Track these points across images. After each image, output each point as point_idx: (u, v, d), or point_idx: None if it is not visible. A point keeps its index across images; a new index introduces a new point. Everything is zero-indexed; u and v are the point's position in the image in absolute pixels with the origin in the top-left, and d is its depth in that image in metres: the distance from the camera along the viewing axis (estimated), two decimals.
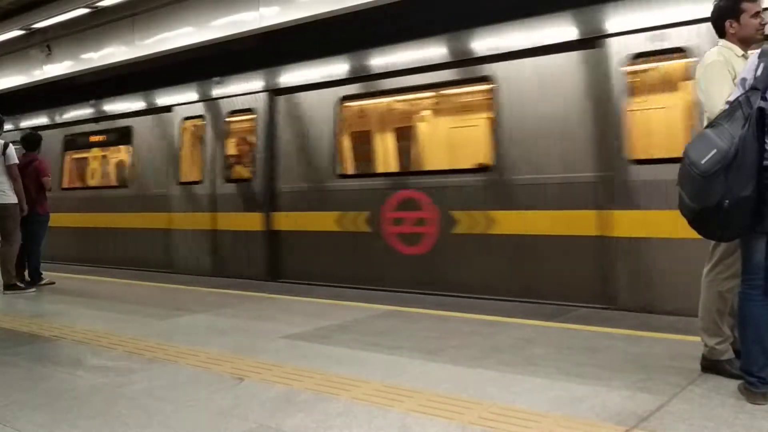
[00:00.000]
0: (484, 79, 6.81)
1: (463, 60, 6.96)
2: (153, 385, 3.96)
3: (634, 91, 5.86)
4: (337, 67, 8.06)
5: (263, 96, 8.71)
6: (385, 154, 9.24)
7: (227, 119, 9.16)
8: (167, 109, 9.86)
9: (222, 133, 9.18)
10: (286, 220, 8.49)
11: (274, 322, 5.66)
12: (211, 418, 3.36)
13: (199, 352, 4.68)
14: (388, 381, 3.86)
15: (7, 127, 12.14)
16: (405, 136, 9.04)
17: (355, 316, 5.80)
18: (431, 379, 3.89)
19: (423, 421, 3.21)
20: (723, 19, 3.64)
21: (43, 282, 8.28)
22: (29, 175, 8.04)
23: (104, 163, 12.18)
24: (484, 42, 6.84)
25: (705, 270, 3.68)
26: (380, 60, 7.71)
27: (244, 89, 8.95)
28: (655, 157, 5.71)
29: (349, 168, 8.60)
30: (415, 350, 4.54)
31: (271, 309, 6.31)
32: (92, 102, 11.18)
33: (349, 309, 6.13)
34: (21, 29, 11.44)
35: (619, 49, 5.85)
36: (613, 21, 5.96)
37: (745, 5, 3.61)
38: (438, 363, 4.23)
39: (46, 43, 11.62)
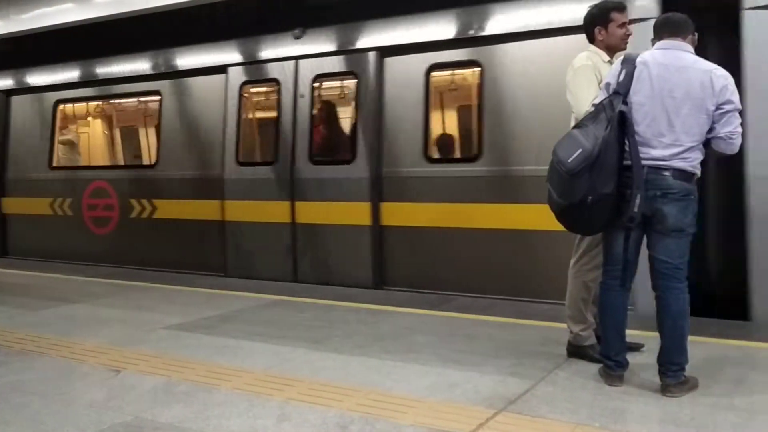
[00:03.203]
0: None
1: None
2: (21, 378, 3.79)
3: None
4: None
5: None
6: None
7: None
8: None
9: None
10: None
11: (156, 312, 5.52)
12: (84, 411, 3.26)
13: (74, 343, 4.50)
14: (270, 370, 3.88)
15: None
16: None
17: (240, 305, 5.76)
18: (314, 368, 3.93)
19: (302, 408, 3.26)
20: (593, 26, 3.89)
21: None
22: None
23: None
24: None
25: (571, 262, 3.93)
26: None
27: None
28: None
29: None
30: (299, 339, 4.57)
31: (154, 299, 6.14)
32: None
33: (235, 298, 6.07)
34: None
35: None
36: None
37: (613, 15, 3.87)
38: (322, 352, 4.28)
39: None
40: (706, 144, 3.39)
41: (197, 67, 7.89)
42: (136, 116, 9.92)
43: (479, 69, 6.17)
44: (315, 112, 7.16)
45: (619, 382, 3.51)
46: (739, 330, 4.63)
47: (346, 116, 7.28)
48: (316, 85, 7.14)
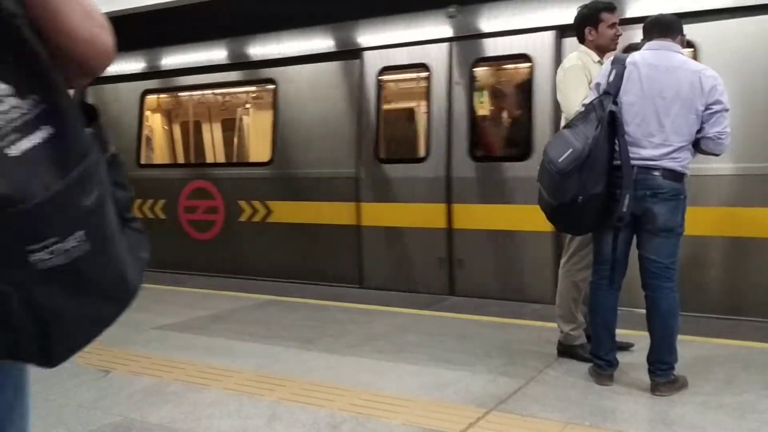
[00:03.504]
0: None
1: None
2: None
3: None
4: None
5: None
6: None
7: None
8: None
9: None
10: None
11: (147, 312, 5.47)
12: (73, 412, 3.25)
13: None
14: (261, 370, 3.87)
15: None
16: None
17: (232, 305, 5.75)
18: (305, 368, 3.93)
19: (294, 408, 3.26)
20: (583, 26, 3.91)
21: None
22: None
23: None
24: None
25: (562, 261, 3.95)
26: None
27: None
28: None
29: None
30: (291, 339, 4.57)
31: (146, 299, 5.95)
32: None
33: (226, 299, 6.05)
34: None
35: None
36: None
37: (603, 15, 3.88)
38: (313, 352, 4.28)
39: None
40: (695, 144, 3.41)
41: (322, 51, 6.87)
42: (244, 108, 8.91)
43: (692, 50, 4.98)
44: (476, 101, 6.16)
45: (609, 381, 3.53)
46: (729, 329, 4.65)
47: (516, 106, 6.33)
48: (477, 70, 6.13)
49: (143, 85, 8.11)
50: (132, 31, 7.66)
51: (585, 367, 3.70)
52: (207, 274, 7.28)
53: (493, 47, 5.99)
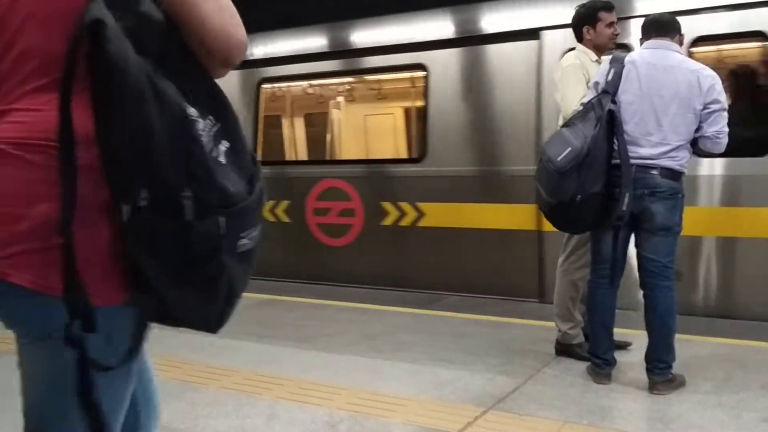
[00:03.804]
0: None
1: None
2: (5, 380, 3.76)
3: None
4: None
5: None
6: None
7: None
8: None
9: None
10: None
11: None
12: None
13: None
14: (259, 369, 3.86)
15: None
16: None
17: None
18: (303, 367, 3.92)
19: (292, 408, 3.26)
20: (581, 25, 3.91)
21: None
22: None
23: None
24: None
25: (560, 260, 3.95)
26: None
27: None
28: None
29: None
30: (288, 339, 4.56)
31: None
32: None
33: None
34: None
35: None
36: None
37: (601, 14, 3.89)
38: (311, 351, 4.27)
39: None
40: (693, 143, 3.41)
41: (487, 32, 5.96)
42: (385, 98, 7.97)
43: None
44: None
45: (606, 380, 3.53)
46: (727, 328, 4.66)
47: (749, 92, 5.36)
48: (694, 50, 5.01)
49: (259, 73, 7.11)
50: (247, 12, 7.43)
51: (583, 366, 3.71)
52: (338, 285, 6.49)
53: (717, 23, 4.91)
